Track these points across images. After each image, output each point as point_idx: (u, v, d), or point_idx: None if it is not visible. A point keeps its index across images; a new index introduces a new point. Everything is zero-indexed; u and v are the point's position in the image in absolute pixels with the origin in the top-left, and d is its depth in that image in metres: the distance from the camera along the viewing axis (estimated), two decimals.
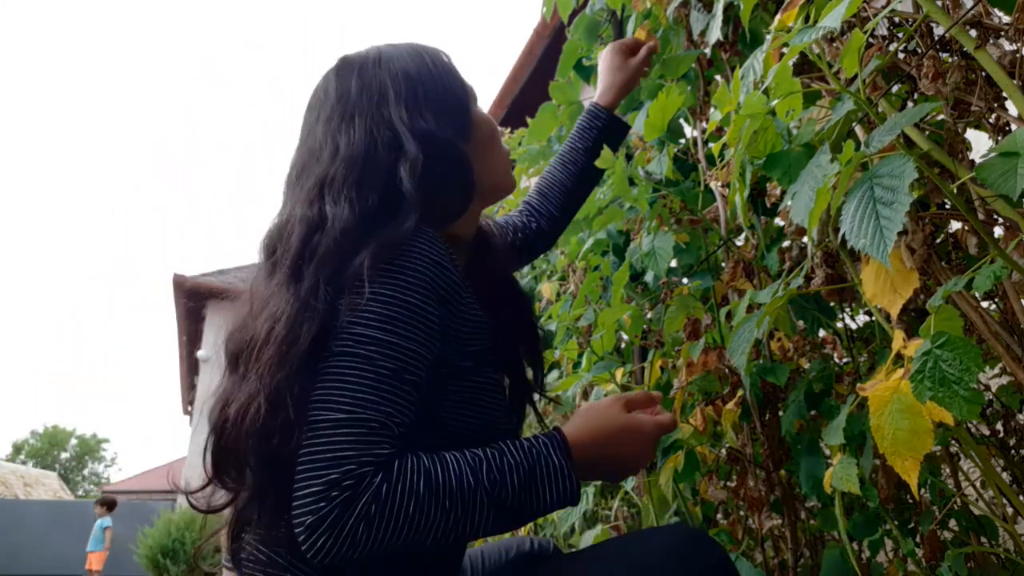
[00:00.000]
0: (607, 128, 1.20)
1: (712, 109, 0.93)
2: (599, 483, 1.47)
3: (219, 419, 0.74)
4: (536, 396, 0.97)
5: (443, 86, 0.86)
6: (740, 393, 1.09)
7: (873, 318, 1.03)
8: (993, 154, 0.63)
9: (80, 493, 41.40)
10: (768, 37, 0.81)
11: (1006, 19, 0.80)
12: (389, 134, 0.79)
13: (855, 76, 0.74)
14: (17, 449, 44.05)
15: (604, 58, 1.26)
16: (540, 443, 0.73)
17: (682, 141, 1.36)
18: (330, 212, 0.74)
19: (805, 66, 0.98)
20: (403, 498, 0.64)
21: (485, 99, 5.38)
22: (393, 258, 0.71)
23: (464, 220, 0.88)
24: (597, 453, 0.76)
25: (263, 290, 0.77)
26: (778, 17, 0.80)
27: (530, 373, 0.96)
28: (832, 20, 0.66)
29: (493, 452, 0.71)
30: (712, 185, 1.18)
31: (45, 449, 44.60)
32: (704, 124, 1.28)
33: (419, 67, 0.85)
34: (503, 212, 1.78)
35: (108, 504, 9.24)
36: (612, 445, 0.76)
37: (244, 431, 0.70)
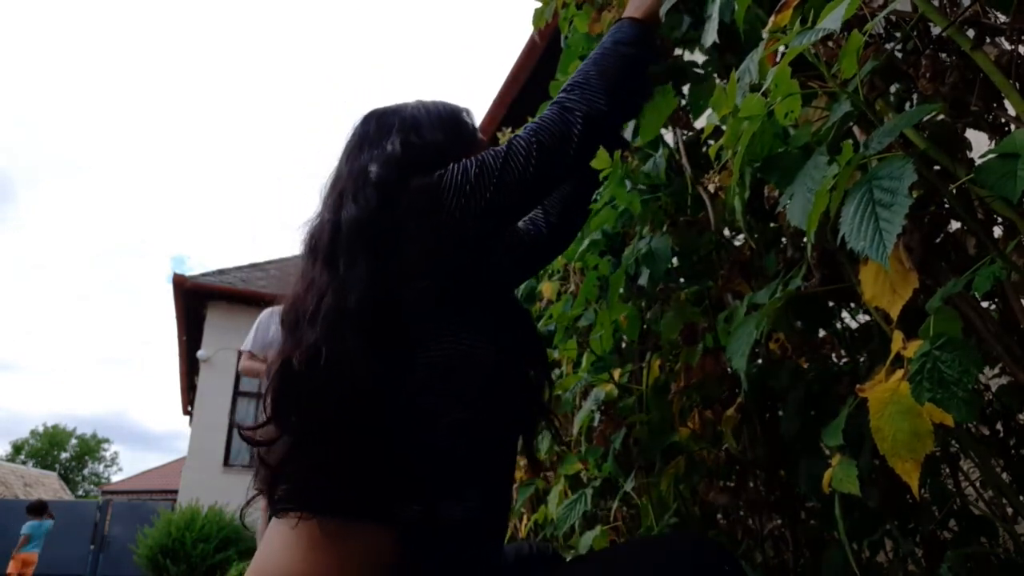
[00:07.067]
0: None
1: (709, 111, 0.93)
2: (598, 483, 1.47)
3: (283, 367, 0.84)
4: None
5: (444, 123, 1.00)
6: (739, 395, 1.08)
7: (872, 318, 1.03)
8: (992, 155, 0.63)
9: (80, 493, 41.35)
10: (764, 38, 0.81)
11: (1004, 18, 0.79)
12: (381, 151, 0.95)
13: (852, 76, 0.73)
14: (17, 449, 44.01)
15: None
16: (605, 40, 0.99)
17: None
18: (344, 215, 0.91)
19: (799, 65, 0.97)
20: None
21: (485, 99, 5.36)
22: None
23: None
24: None
25: (308, 272, 0.92)
26: (772, 19, 0.79)
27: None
28: (832, 22, 0.65)
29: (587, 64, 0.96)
30: (700, 189, 1.16)
31: (45, 449, 44.56)
32: (684, 131, 1.26)
33: (428, 111, 1.01)
34: None
35: (37, 509, 9.18)
36: None
37: (302, 375, 0.82)
